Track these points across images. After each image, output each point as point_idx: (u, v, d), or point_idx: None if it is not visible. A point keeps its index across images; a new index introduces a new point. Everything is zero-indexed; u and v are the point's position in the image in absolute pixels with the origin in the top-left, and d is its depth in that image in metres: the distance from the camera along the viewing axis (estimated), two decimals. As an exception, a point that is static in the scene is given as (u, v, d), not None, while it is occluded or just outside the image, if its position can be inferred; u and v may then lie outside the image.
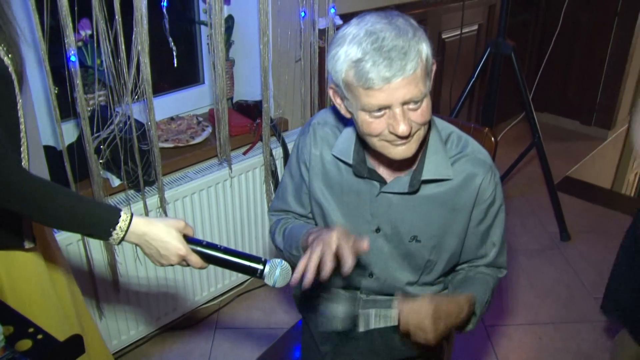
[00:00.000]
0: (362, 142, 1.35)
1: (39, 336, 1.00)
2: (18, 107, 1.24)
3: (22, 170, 1.14)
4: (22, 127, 1.25)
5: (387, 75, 1.10)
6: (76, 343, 1.00)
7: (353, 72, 1.13)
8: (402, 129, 1.15)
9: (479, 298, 1.38)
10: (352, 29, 1.15)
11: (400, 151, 1.22)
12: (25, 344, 1.00)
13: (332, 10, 2.43)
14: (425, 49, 1.15)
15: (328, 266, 1.16)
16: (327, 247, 1.17)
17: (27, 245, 1.33)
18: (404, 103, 1.15)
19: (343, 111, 1.27)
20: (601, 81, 4.42)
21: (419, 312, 1.21)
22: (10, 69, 1.20)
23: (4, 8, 1.20)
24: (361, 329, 1.31)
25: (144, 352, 2.37)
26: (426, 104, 1.18)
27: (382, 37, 1.11)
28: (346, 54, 1.14)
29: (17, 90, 1.23)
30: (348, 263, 1.15)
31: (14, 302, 1.31)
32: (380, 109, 1.15)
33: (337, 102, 1.27)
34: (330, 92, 1.27)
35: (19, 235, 1.31)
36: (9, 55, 1.21)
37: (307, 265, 1.18)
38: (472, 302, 1.33)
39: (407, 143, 1.21)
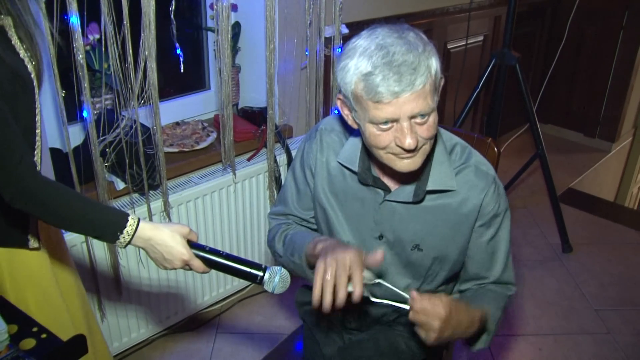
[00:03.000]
0: (368, 151, 1.37)
1: (43, 335, 1.02)
2: (36, 112, 1.28)
3: (37, 174, 1.18)
4: (38, 131, 1.29)
5: (396, 89, 1.11)
6: (79, 343, 1.01)
7: (362, 85, 1.14)
8: (409, 142, 1.16)
9: (493, 313, 1.37)
10: (363, 41, 1.16)
11: (406, 164, 1.23)
12: (29, 343, 1.01)
13: (339, 19, 2.45)
14: (434, 63, 1.15)
15: (342, 294, 1.15)
16: (341, 269, 1.16)
17: (32, 244, 1.35)
18: (412, 117, 1.16)
19: (350, 122, 1.28)
20: (606, 94, 4.42)
21: (432, 312, 1.18)
22: (33, 75, 1.25)
23: (34, 17, 1.25)
24: (371, 298, 1.29)
25: (145, 355, 2.38)
26: (433, 118, 1.19)
27: (393, 51, 1.12)
28: (356, 66, 1.15)
29: (36, 96, 1.27)
30: (357, 292, 1.14)
31: (16, 302, 1.33)
32: (387, 122, 1.16)
33: (345, 112, 1.28)
34: (339, 103, 1.28)
35: (24, 234, 1.33)
36: (33, 63, 1.25)
37: (324, 289, 1.17)
38: (484, 319, 1.32)
39: (413, 157, 1.22)
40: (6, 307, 1.10)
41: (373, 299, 1.24)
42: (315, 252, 1.28)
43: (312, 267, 1.36)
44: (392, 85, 1.11)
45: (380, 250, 1.20)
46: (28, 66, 1.24)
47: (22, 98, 1.22)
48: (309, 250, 1.34)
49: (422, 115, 1.16)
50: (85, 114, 1.85)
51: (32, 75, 1.25)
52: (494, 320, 1.37)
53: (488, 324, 1.36)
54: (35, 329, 1.03)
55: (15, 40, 1.21)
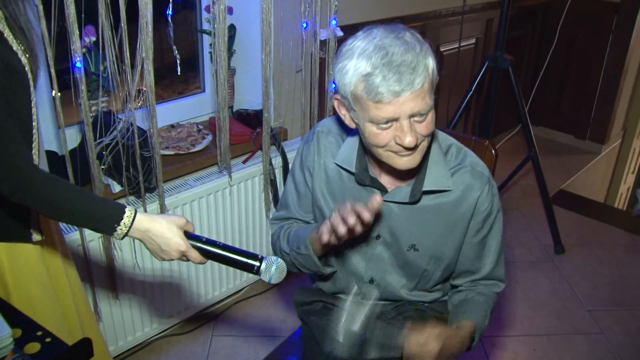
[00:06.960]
0: (365, 151, 1.38)
1: (47, 339, 1.01)
2: (32, 105, 1.27)
3: (34, 167, 1.18)
4: (34, 124, 1.29)
5: (396, 89, 1.13)
6: (85, 347, 1.01)
7: (363, 85, 1.16)
8: (409, 140, 1.18)
9: (479, 324, 1.42)
10: (360, 42, 1.18)
11: (405, 162, 1.25)
12: (34, 347, 1.00)
13: (334, 22, 2.45)
14: (431, 63, 1.18)
15: (352, 219, 1.17)
16: (343, 207, 1.19)
17: (35, 238, 1.36)
18: (411, 115, 1.18)
19: (348, 121, 1.30)
20: (596, 96, 4.46)
21: (425, 348, 1.23)
22: (27, 67, 1.24)
23: (27, 13, 1.25)
24: (370, 356, 1.36)
25: (141, 357, 2.37)
26: (431, 116, 1.21)
27: (392, 52, 1.14)
28: (355, 67, 1.16)
29: (32, 88, 1.26)
30: (366, 214, 1.16)
31: (17, 297, 1.33)
32: (387, 122, 1.18)
33: (342, 112, 1.30)
34: (335, 103, 1.30)
35: (27, 228, 1.34)
36: (27, 55, 1.25)
37: (333, 220, 1.20)
38: (473, 333, 1.39)
39: (412, 154, 1.24)
40: (9, 310, 1.09)
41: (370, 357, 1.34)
42: (319, 234, 1.30)
43: (318, 255, 1.39)
44: (393, 85, 1.13)
45: (378, 196, 1.20)
46: (22, 59, 1.23)
47: (17, 91, 1.22)
48: (313, 236, 1.36)
49: (421, 114, 1.18)
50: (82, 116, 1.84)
51: (26, 68, 1.24)
52: (479, 331, 1.43)
53: (475, 335, 1.41)
54: (39, 333, 1.02)
55: (7, 33, 1.21)
